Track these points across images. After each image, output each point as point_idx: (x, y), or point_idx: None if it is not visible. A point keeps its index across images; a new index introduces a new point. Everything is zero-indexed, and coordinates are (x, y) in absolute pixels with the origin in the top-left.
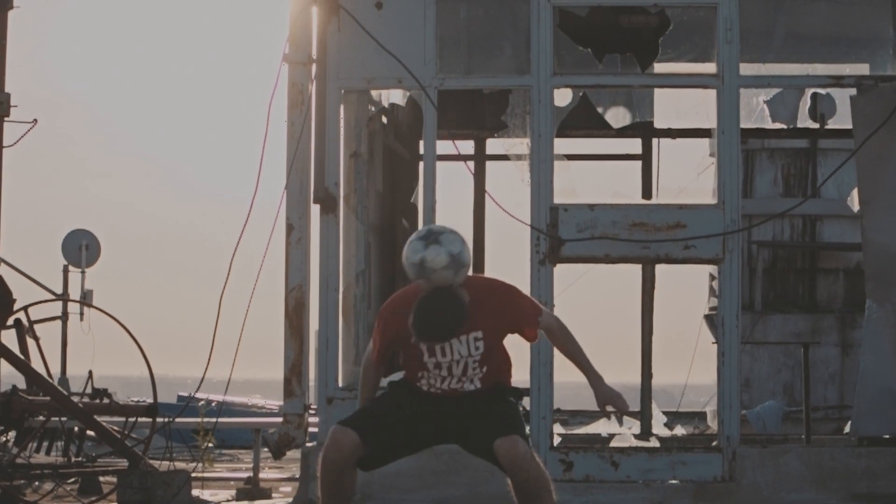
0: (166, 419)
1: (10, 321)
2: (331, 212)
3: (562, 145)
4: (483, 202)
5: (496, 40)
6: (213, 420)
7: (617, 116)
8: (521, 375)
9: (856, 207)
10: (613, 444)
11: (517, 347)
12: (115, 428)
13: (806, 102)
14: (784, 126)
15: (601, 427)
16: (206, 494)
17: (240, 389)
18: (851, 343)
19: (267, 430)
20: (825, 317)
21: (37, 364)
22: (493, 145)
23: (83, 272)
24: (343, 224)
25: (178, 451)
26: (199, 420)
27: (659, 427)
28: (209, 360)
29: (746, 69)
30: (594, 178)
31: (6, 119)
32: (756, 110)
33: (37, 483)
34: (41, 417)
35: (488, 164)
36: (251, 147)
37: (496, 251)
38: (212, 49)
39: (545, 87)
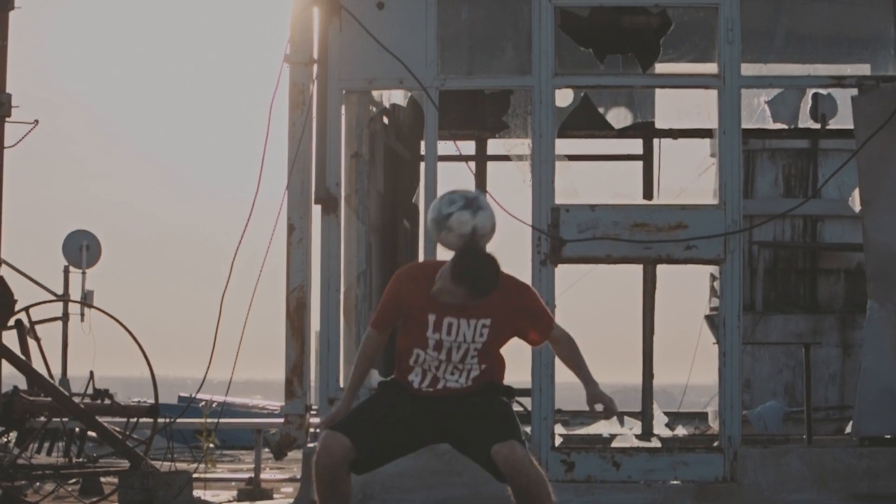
0: (168, 420)
1: (11, 322)
2: (332, 212)
3: (563, 146)
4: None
5: (497, 41)
6: (215, 421)
7: (618, 117)
8: (522, 376)
9: (857, 208)
10: (615, 444)
11: (518, 348)
12: (117, 429)
13: (807, 103)
14: (785, 126)
15: (602, 427)
16: (207, 495)
17: (241, 390)
18: (852, 343)
19: (268, 431)
20: (826, 317)
21: (38, 365)
22: (495, 146)
23: (84, 273)
24: (344, 224)
25: (180, 451)
26: (200, 421)
27: (660, 427)
28: (210, 360)
29: (747, 69)
30: (595, 178)
31: (7, 120)
32: (757, 110)
33: (38, 484)
34: (42, 418)
35: (489, 164)
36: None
37: (497, 252)
38: (213, 49)
39: (546, 87)
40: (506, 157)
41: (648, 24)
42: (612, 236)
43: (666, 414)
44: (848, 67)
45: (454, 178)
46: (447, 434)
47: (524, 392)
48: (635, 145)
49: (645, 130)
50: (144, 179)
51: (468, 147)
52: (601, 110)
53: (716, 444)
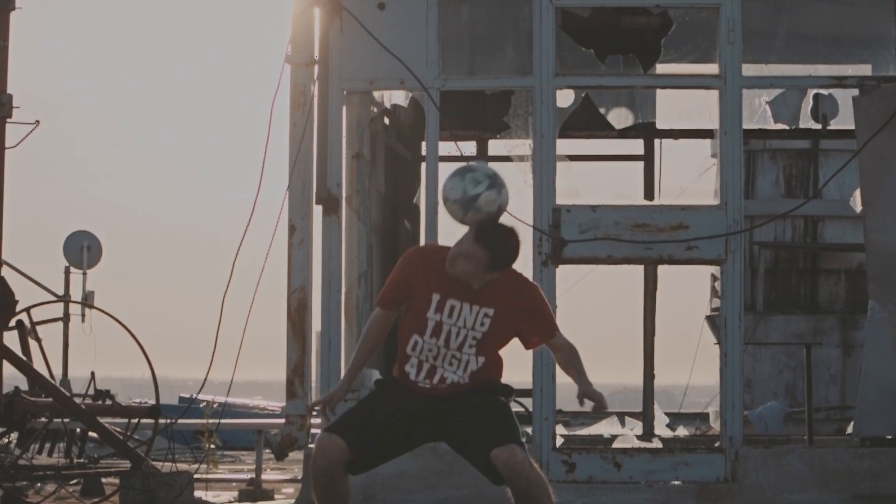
0: (169, 420)
1: (13, 323)
2: (333, 213)
3: (564, 146)
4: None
5: (498, 41)
6: (216, 421)
7: (619, 117)
8: (523, 377)
9: (858, 208)
10: (616, 445)
11: (519, 347)
12: (118, 429)
13: (808, 103)
14: (786, 127)
15: (604, 428)
16: (208, 496)
17: (241, 391)
18: (853, 344)
19: (269, 432)
20: (827, 317)
21: (39, 365)
22: (496, 146)
23: (84, 273)
24: (345, 225)
25: (181, 452)
26: (201, 421)
27: (661, 428)
28: (212, 361)
29: (749, 70)
30: (596, 178)
31: (8, 120)
32: (758, 111)
33: (39, 484)
34: (43, 419)
35: (490, 165)
36: (253, 148)
37: None
38: (213, 50)
39: (547, 87)
40: (507, 158)
41: (649, 25)
42: (614, 237)
43: (667, 414)
44: (849, 68)
45: None
46: (445, 434)
47: (525, 393)
48: (636, 146)
49: (646, 131)
50: (145, 180)
51: (469, 147)
52: (602, 111)
53: (717, 444)
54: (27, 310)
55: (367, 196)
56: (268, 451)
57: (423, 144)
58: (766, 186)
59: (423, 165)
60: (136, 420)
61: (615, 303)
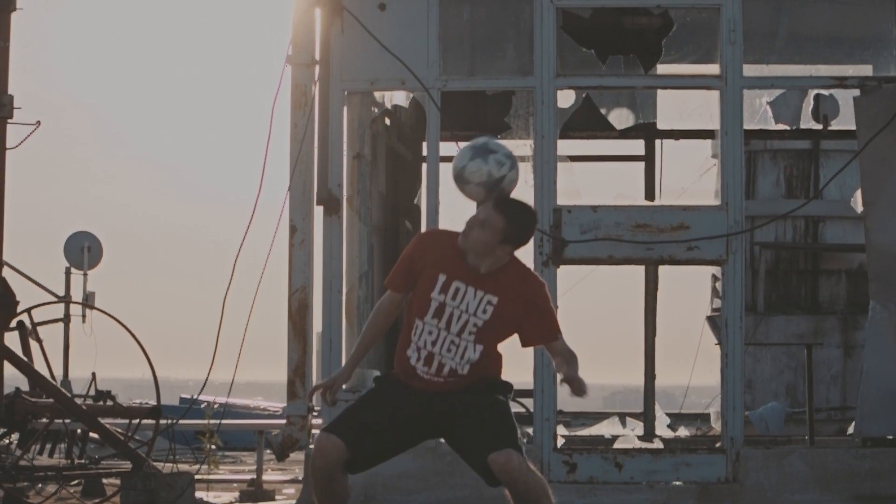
0: (170, 421)
1: (13, 323)
2: (334, 213)
3: (565, 147)
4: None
5: (499, 42)
6: (217, 422)
7: (620, 118)
8: (524, 377)
9: (859, 209)
10: (617, 445)
11: (520, 349)
12: (119, 430)
13: (809, 103)
14: (787, 127)
15: (605, 429)
16: (209, 496)
17: (242, 391)
18: (854, 344)
19: (270, 432)
20: (827, 318)
21: (40, 366)
22: None
23: (85, 274)
24: (346, 225)
25: (182, 453)
26: (202, 422)
27: (662, 428)
28: (212, 361)
29: (749, 70)
30: (597, 179)
31: (9, 121)
32: (759, 111)
33: (40, 485)
34: (44, 420)
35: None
36: (254, 149)
37: None
38: (214, 51)
39: (548, 88)
40: None
41: (650, 25)
42: (614, 237)
43: (668, 415)
44: (850, 68)
45: None
46: (443, 433)
47: (526, 393)
48: (637, 146)
49: (647, 131)
50: (146, 181)
51: None
52: (603, 111)
53: (718, 444)
54: (28, 310)
55: (368, 196)
56: (269, 451)
57: (424, 145)
58: (767, 187)
59: (424, 166)
60: (136, 421)
61: (616, 303)
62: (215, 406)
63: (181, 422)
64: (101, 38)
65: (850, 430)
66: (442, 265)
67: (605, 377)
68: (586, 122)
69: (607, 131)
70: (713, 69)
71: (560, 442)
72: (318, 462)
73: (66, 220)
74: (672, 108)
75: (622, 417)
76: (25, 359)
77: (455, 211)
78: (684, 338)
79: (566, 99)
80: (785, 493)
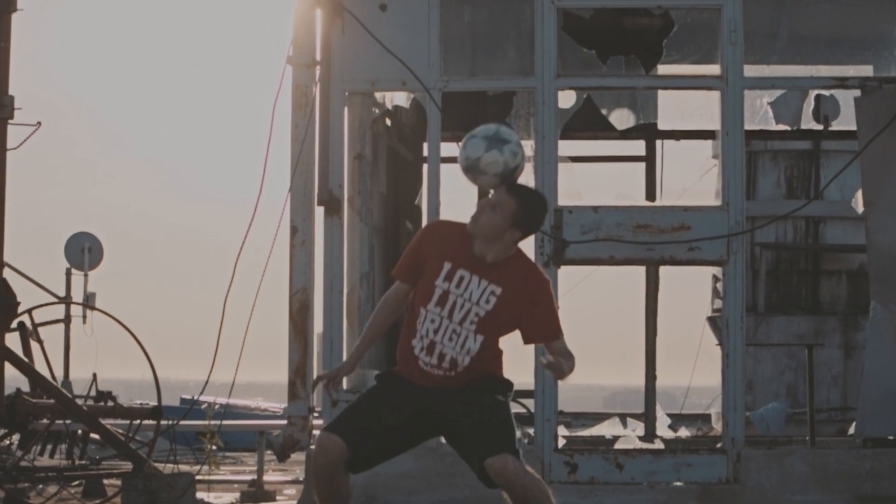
0: (171, 422)
1: (14, 324)
2: (335, 214)
3: (566, 147)
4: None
5: (500, 42)
6: (218, 423)
7: (621, 118)
8: (525, 378)
9: (860, 209)
10: (618, 445)
11: (521, 350)
12: (119, 431)
13: (809, 104)
14: (787, 128)
15: (605, 429)
16: (210, 497)
17: (242, 392)
18: (854, 345)
19: (271, 433)
20: (828, 318)
21: (40, 367)
22: None
23: (86, 275)
24: (347, 226)
25: (183, 453)
26: (203, 423)
27: (663, 429)
28: (213, 362)
29: (750, 71)
30: (598, 179)
31: (10, 122)
32: (760, 112)
33: (41, 486)
34: (45, 420)
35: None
36: (255, 149)
37: None
38: (215, 52)
39: (549, 88)
40: None
41: (651, 26)
42: (615, 238)
43: (669, 415)
44: (851, 69)
45: (457, 179)
46: (443, 431)
47: (527, 394)
48: (638, 147)
49: (647, 132)
50: (146, 181)
51: None
52: (604, 112)
53: (719, 445)
54: (29, 311)
55: (368, 197)
56: (269, 452)
57: (425, 145)
58: (768, 187)
59: (425, 166)
60: (137, 421)
61: (616, 304)
62: (216, 407)
63: (182, 422)
64: (102, 38)
65: (851, 430)
66: (448, 254)
67: (605, 378)
68: (587, 122)
69: (608, 132)
70: (714, 70)
71: (561, 442)
72: (319, 461)
73: (66, 221)
74: (673, 109)
75: (623, 418)
76: (26, 359)
77: (456, 211)
78: (685, 338)
79: (567, 99)
80: (786, 493)
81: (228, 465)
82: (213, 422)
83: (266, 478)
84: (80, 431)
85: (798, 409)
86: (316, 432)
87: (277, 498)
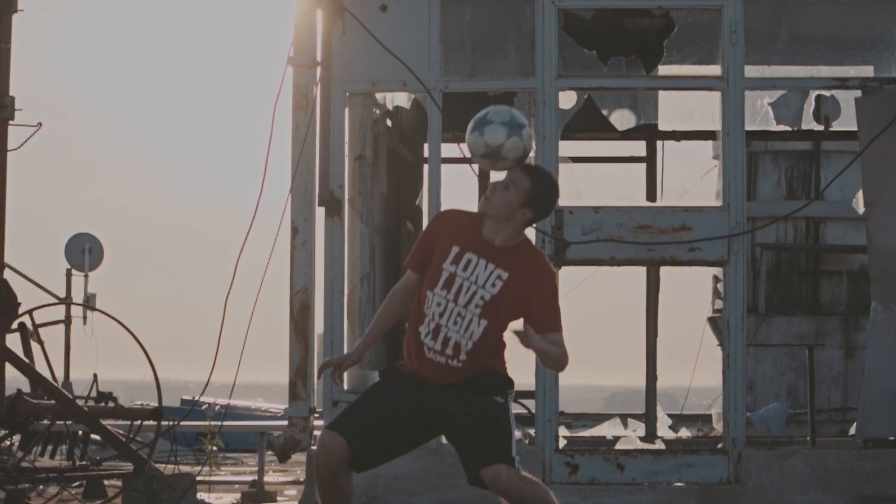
0: (171, 423)
1: (15, 325)
2: (335, 214)
3: (566, 148)
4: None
5: (501, 43)
6: (219, 423)
7: (621, 119)
8: (525, 379)
9: (861, 210)
10: (619, 446)
11: (522, 350)
12: (120, 431)
13: (810, 104)
14: (788, 128)
15: (606, 430)
16: (211, 498)
17: (242, 393)
18: (855, 345)
19: (272, 434)
20: (829, 319)
21: (41, 368)
22: None
23: (86, 276)
24: (348, 227)
25: (183, 454)
26: (204, 423)
27: (664, 429)
28: (214, 363)
29: (751, 71)
30: (599, 180)
31: (10, 122)
32: (760, 112)
33: (42, 487)
34: (46, 421)
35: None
36: (255, 150)
37: None
38: (216, 52)
39: (550, 89)
40: None
41: (652, 26)
42: (616, 238)
43: (669, 416)
44: (851, 69)
45: (458, 180)
46: (444, 431)
47: (528, 395)
48: (638, 147)
49: (648, 132)
50: (147, 182)
51: None
52: (604, 112)
53: (720, 445)
54: (29, 312)
55: (369, 198)
56: (270, 453)
57: (426, 146)
58: (768, 188)
59: (426, 167)
60: (138, 422)
61: (617, 304)
62: (217, 407)
63: (182, 423)
64: (103, 39)
65: (852, 431)
66: (456, 238)
67: (606, 378)
68: (588, 123)
69: (609, 132)
70: (715, 70)
71: (562, 443)
72: (321, 460)
73: (66, 222)
74: (673, 110)
75: (624, 419)
76: (27, 360)
77: None
78: (686, 339)
79: (567, 100)
80: (787, 493)
81: (229, 465)
82: (213, 422)
83: (267, 478)
84: (80, 432)
85: (799, 410)
86: (317, 433)
87: (278, 499)
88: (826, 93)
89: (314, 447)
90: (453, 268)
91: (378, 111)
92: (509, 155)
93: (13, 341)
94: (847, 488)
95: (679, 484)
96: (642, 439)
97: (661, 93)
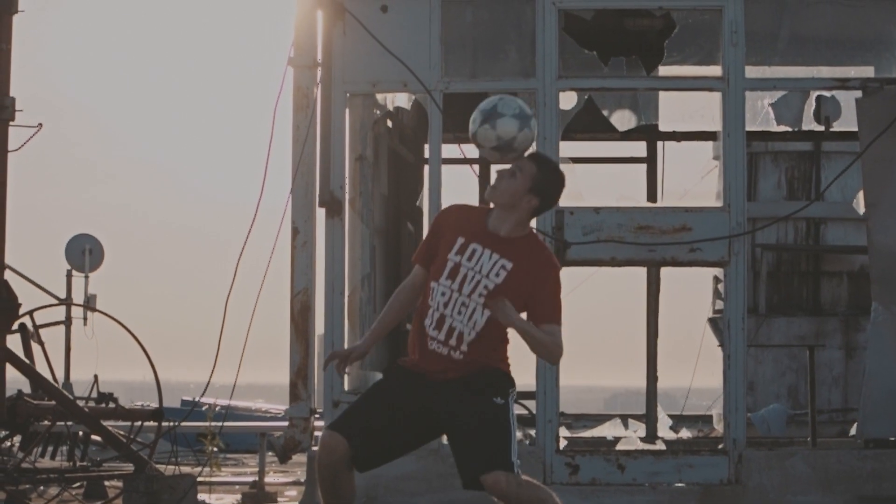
0: (172, 423)
1: (15, 326)
2: (336, 215)
3: (567, 148)
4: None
5: (501, 43)
6: (219, 424)
7: (622, 119)
8: (526, 379)
9: (861, 210)
10: (619, 447)
11: (522, 351)
12: (121, 432)
13: (811, 105)
14: (789, 129)
15: (607, 430)
16: (211, 499)
17: (242, 394)
18: (855, 346)
19: (272, 435)
20: (829, 320)
21: (41, 368)
22: None
23: (86, 276)
24: (348, 227)
25: (184, 455)
26: (204, 424)
27: (665, 430)
28: (214, 364)
29: (751, 72)
30: (599, 181)
31: (11, 123)
32: (761, 113)
33: (42, 488)
34: (46, 422)
35: (493, 167)
36: (256, 151)
37: None
38: (216, 53)
39: (550, 90)
40: None
41: (652, 27)
42: (617, 239)
43: (670, 416)
44: (852, 70)
45: (458, 180)
46: (444, 430)
47: (528, 395)
48: (639, 148)
49: (649, 133)
50: (147, 183)
51: (472, 150)
52: (605, 113)
53: (720, 446)
54: (30, 313)
55: (370, 198)
56: (271, 453)
57: (426, 147)
58: (768, 189)
59: (426, 168)
60: (139, 423)
61: (618, 305)
62: (217, 408)
63: (183, 424)
64: (103, 40)
65: (853, 431)
66: (462, 229)
67: (606, 379)
68: (588, 123)
69: (609, 133)
70: (715, 71)
71: (562, 444)
72: (322, 459)
73: (66, 223)
74: (674, 110)
75: (624, 419)
76: (27, 361)
77: None
78: (686, 339)
79: (568, 101)
80: (787, 494)
81: (230, 466)
82: (214, 423)
83: (267, 479)
84: (81, 433)
85: (799, 411)
86: (317, 434)
87: (279, 499)
88: (827, 93)
89: (315, 448)
90: (458, 258)
91: (378, 112)
92: (520, 147)
93: (14, 342)
94: (848, 489)
95: (680, 484)
96: (643, 440)
97: (661, 93)
